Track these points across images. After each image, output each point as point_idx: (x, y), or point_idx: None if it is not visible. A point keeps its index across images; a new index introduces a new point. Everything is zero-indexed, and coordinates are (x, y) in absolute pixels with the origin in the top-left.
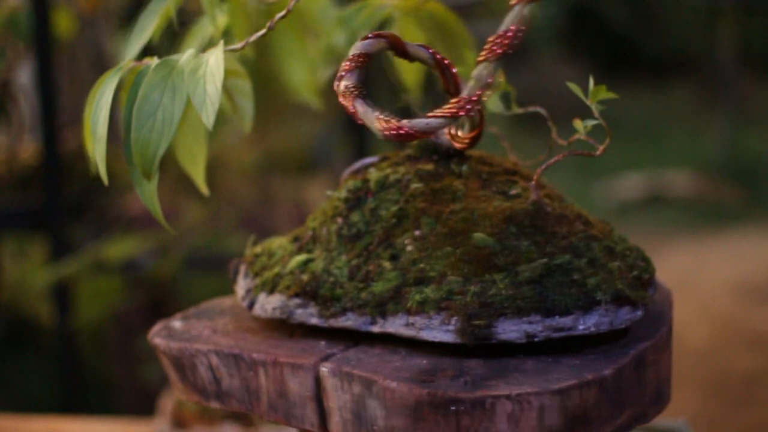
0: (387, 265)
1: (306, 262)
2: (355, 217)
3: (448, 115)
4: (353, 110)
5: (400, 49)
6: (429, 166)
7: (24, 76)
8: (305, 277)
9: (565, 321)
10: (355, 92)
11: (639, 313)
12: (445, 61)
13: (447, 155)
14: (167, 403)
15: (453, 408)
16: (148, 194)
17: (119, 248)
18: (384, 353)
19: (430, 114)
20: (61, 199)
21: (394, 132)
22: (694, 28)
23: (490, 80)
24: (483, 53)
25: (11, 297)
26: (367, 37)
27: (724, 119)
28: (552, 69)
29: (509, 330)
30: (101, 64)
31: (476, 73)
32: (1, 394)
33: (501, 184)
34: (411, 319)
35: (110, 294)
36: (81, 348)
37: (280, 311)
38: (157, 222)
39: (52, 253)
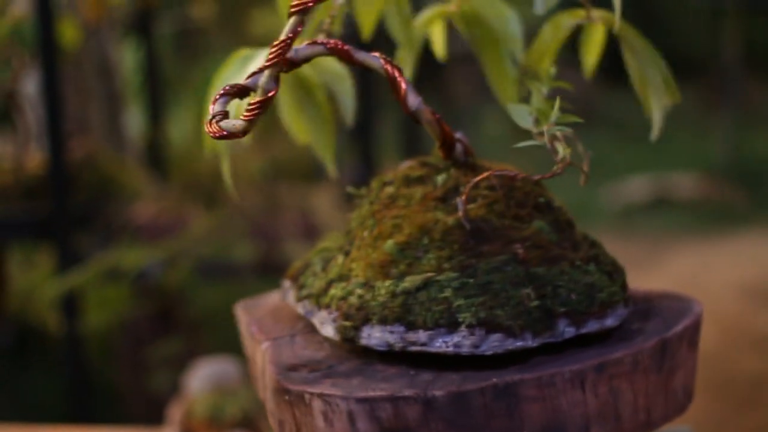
0: (339, 260)
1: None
2: (353, 215)
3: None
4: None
5: (344, 56)
6: (419, 172)
7: (30, 86)
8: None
9: (420, 336)
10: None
11: (520, 342)
12: (395, 73)
13: (462, 163)
14: (176, 411)
15: (286, 397)
16: None
17: (130, 258)
18: (308, 343)
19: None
20: (67, 208)
21: (215, 135)
22: (698, 30)
23: (271, 92)
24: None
25: (19, 305)
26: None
27: (729, 121)
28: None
29: (373, 336)
30: (106, 73)
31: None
32: (9, 403)
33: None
34: (321, 312)
35: (118, 303)
36: (89, 356)
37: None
38: (162, 231)
39: (59, 262)
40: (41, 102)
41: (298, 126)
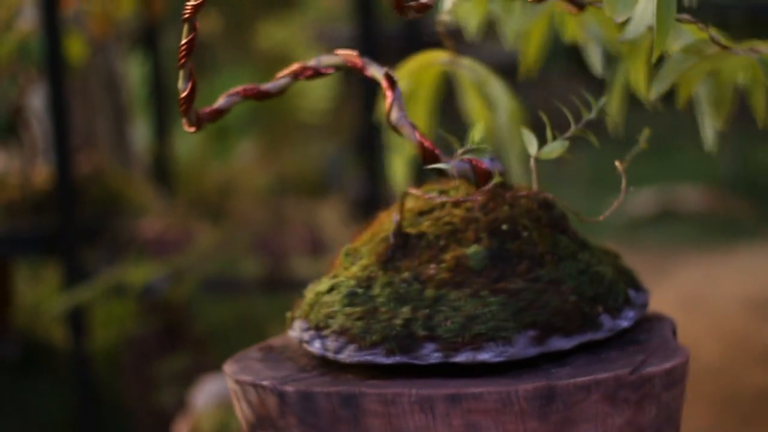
0: None
1: None
2: None
3: None
4: None
5: (358, 68)
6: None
7: (36, 101)
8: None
9: (305, 335)
10: None
11: (369, 356)
12: (387, 85)
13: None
14: (182, 427)
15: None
16: None
17: (137, 273)
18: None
19: None
20: (74, 223)
21: None
22: None
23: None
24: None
25: (26, 320)
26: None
27: (735, 134)
28: (563, 85)
29: (294, 332)
30: (113, 87)
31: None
32: (15, 418)
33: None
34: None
35: (125, 318)
36: (96, 372)
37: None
38: (169, 246)
39: (65, 277)
40: (48, 116)
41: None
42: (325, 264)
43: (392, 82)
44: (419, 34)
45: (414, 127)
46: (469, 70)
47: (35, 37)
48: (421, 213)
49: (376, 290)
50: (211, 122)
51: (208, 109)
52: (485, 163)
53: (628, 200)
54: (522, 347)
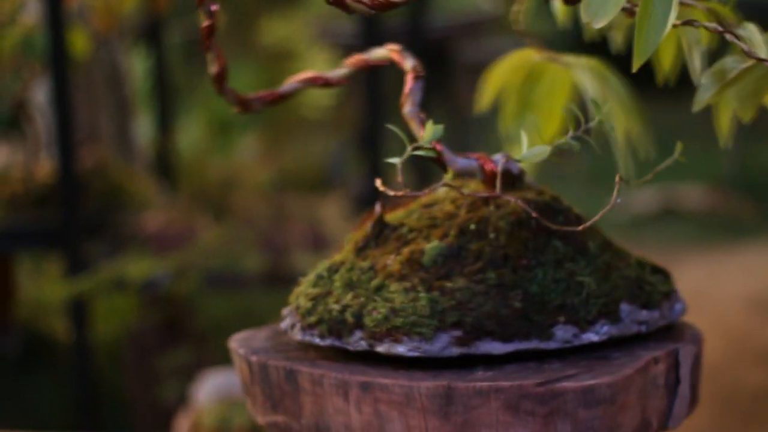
0: None
1: None
2: None
3: None
4: None
5: (396, 59)
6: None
7: (40, 95)
8: None
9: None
10: None
11: (307, 337)
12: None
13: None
14: (183, 422)
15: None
16: None
17: (139, 267)
18: None
19: None
20: (77, 217)
21: None
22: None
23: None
24: None
25: (28, 314)
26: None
27: (737, 133)
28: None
29: None
30: (116, 82)
31: None
32: (16, 411)
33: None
34: None
35: (126, 312)
36: (97, 365)
37: None
38: (171, 241)
39: (68, 270)
40: (51, 111)
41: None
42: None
43: (417, 76)
44: (422, 31)
45: (423, 122)
46: (581, 68)
47: (39, 31)
48: (426, 206)
49: (337, 275)
50: (268, 106)
51: (266, 93)
52: (494, 162)
53: (630, 198)
54: (442, 346)
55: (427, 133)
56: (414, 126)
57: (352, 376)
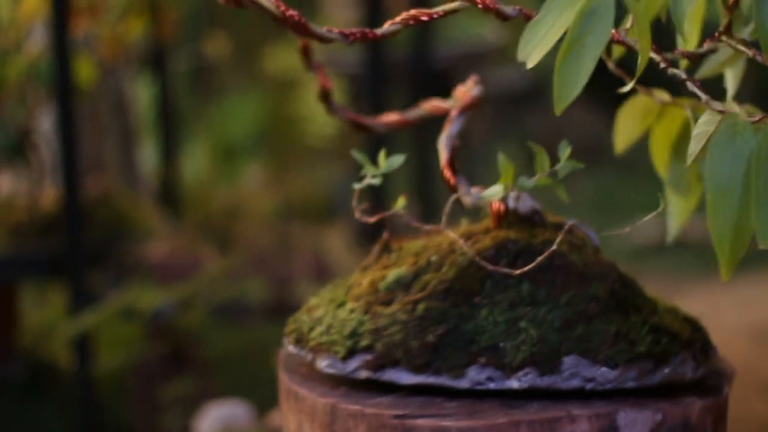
0: None
1: None
2: None
3: None
4: None
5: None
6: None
7: (45, 123)
8: None
9: None
10: None
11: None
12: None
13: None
14: None
15: None
16: None
17: (145, 298)
18: None
19: None
20: (81, 246)
21: None
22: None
23: None
24: None
25: (31, 342)
26: None
27: None
28: (566, 110)
29: None
30: (121, 110)
31: None
32: None
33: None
34: None
35: (131, 342)
36: (101, 395)
37: None
38: (176, 270)
39: (72, 299)
40: (56, 139)
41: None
42: None
43: (463, 108)
44: (427, 61)
45: (453, 151)
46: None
47: (45, 59)
48: (464, 235)
49: (331, 289)
50: (391, 130)
51: (394, 118)
52: (503, 200)
53: (633, 228)
54: (354, 367)
55: (381, 162)
56: (441, 154)
57: (291, 384)
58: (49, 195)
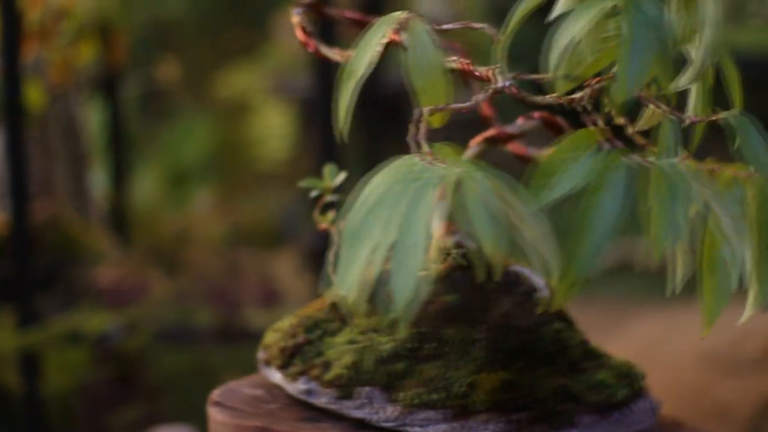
0: None
1: None
2: None
3: None
4: None
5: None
6: None
7: None
8: None
9: None
10: None
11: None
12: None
13: None
14: None
15: None
16: None
17: (92, 321)
18: None
19: None
20: (30, 270)
21: None
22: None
23: None
24: None
25: None
26: None
27: None
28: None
29: None
30: (72, 135)
31: None
32: None
33: None
34: None
35: (79, 365)
36: (49, 418)
37: None
38: (125, 295)
39: (20, 323)
40: (5, 163)
41: None
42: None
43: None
44: (378, 86)
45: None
46: None
47: None
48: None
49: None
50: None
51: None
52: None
53: None
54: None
55: (327, 177)
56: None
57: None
58: None
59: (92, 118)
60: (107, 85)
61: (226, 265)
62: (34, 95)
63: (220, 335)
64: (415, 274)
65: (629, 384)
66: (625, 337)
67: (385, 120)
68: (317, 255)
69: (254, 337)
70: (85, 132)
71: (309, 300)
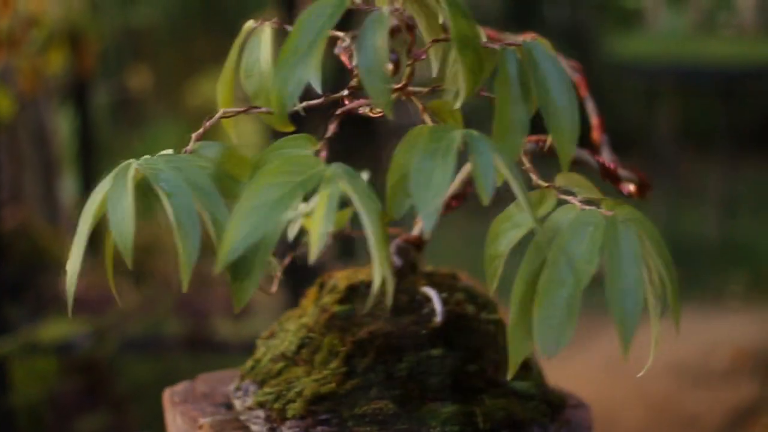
0: None
1: None
2: None
3: None
4: None
5: None
6: None
7: None
8: None
9: None
10: None
11: None
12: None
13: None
14: None
15: None
16: None
17: (54, 330)
18: None
19: None
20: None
21: None
22: (633, 108)
23: None
24: None
25: None
26: None
27: (663, 198)
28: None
29: None
30: (42, 142)
31: None
32: None
33: None
34: None
35: (47, 375)
36: (17, 428)
37: None
38: (94, 303)
39: None
40: None
41: None
42: (247, 326)
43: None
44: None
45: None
46: None
47: None
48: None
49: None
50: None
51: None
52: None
53: None
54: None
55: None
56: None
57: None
58: None
59: (62, 125)
60: (77, 92)
61: (194, 275)
62: (3, 103)
63: (188, 344)
64: None
65: None
66: (593, 347)
67: (358, 130)
68: (287, 267)
69: (221, 347)
70: (55, 139)
71: (278, 310)
